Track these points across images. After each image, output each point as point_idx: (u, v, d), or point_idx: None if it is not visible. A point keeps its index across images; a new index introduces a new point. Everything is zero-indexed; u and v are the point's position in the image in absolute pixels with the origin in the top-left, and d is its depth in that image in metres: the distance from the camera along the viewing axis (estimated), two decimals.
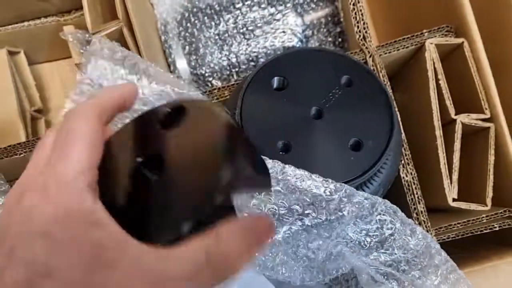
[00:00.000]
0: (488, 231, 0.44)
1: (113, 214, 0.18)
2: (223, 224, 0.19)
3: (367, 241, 0.35)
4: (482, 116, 0.45)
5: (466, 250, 0.45)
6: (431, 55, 0.45)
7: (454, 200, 0.43)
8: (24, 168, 0.21)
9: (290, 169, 0.34)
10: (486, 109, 0.45)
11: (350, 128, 0.37)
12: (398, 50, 0.47)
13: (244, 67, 0.52)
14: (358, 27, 0.47)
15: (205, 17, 0.53)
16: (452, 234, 0.44)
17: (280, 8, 0.52)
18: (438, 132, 0.44)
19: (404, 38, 0.47)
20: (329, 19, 0.54)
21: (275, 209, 0.34)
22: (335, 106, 0.38)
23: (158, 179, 0.20)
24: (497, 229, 0.44)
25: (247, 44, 0.52)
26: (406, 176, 0.44)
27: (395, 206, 0.36)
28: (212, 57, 0.53)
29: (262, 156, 0.35)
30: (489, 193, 0.44)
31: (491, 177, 0.44)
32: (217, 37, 0.52)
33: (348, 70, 0.39)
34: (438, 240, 0.44)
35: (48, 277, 0.16)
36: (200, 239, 0.19)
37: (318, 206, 0.34)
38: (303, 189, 0.34)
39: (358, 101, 0.38)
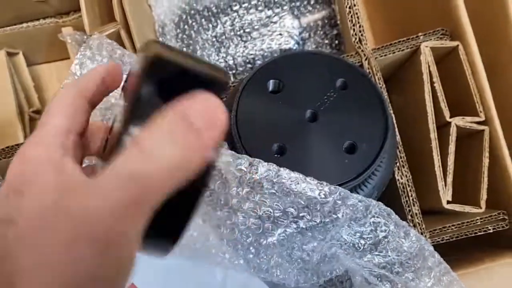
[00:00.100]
0: (482, 233, 0.44)
1: None
2: (146, 128, 0.18)
3: (361, 243, 0.36)
4: (476, 119, 0.45)
5: (460, 252, 0.46)
6: (426, 58, 0.45)
7: (448, 202, 0.44)
8: None
9: (285, 172, 0.34)
10: (480, 112, 0.45)
11: (345, 131, 0.38)
12: (394, 53, 0.47)
13: (241, 69, 0.53)
14: (354, 30, 0.47)
15: (203, 19, 0.53)
16: (446, 236, 0.45)
17: (277, 10, 0.52)
18: (433, 135, 0.44)
19: (399, 41, 0.47)
20: (326, 21, 0.54)
21: (270, 212, 0.35)
22: (330, 109, 0.38)
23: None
24: (491, 231, 0.44)
25: (244, 46, 0.52)
26: (401, 178, 0.45)
27: (389, 209, 0.36)
28: (209, 59, 0.53)
29: (257, 158, 0.35)
30: (483, 195, 0.44)
31: (486, 179, 0.44)
32: (214, 39, 0.53)
33: (343, 73, 0.40)
34: (433, 242, 0.44)
35: (20, 194, 0.18)
36: (122, 159, 0.17)
37: (313, 208, 0.34)
38: (298, 192, 0.34)
39: (353, 104, 0.39)
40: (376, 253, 0.36)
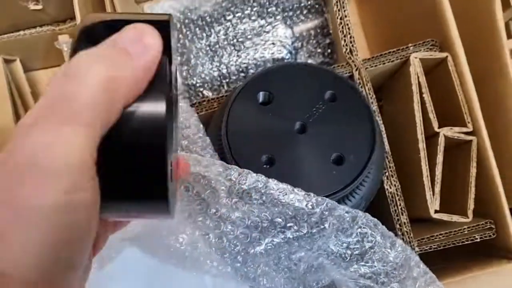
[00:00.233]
0: (469, 242, 0.45)
1: None
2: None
3: (347, 254, 0.36)
4: (464, 129, 0.46)
5: (447, 260, 0.46)
6: (415, 69, 0.46)
7: (436, 211, 0.44)
8: None
9: (273, 183, 0.35)
10: (468, 122, 0.46)
11: (333, 142, 0.38)
12: (384, 63, 0.48)
13: (234, 77, 0.53)
14: (345, 41, 0.48)
15: (197, 29, 0.54)
16: (434, 245, 0.45)
17: (269, 20, 0.53)
18: (422, 145, 0.45)
19: (389, 52, 0.48)
20: (318, 30, 0.55)
21: (258, 222, 0.35)
22: (319, 120, 0.39)
23: None
24: (478, 240, 0.45)
25: (237, 56, 0.53)
26: (390, 188, 0.45)
27: (375, 219, 0.37)
28: (203, 67, 0.54)
29: (246, 169, 0.36)
30: (471, 205, 0.45)
31: (473, 189, 0.45)
32: (208, 48, 0.54)
33: (332, 85, 0.40)
34: (421, 250, 0.45)
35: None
36: (49, 85, 0.18)
37: (300, 219, 0.35)
38: (286, 202, 0.35)
39: (341, 116, 0.39)
40: (362, 263, 0.36)
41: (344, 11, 0.48)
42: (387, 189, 0.45)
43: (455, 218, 0.44)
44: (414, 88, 0.46)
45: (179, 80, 0.55)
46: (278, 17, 0.53)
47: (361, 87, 0.46)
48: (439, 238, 0.45)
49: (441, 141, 0.45)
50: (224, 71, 0.53)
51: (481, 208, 0.45)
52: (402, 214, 0.45)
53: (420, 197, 0.45)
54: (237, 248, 0.36)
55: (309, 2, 0.54)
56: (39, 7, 0.54)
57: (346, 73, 0.47)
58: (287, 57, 0.54)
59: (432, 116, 0.46)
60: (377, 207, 0.45)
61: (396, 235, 0.45)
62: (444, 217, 0.44)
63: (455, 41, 0.46)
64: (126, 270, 0.42)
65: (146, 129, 0.18)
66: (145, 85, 0.19)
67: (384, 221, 0.44)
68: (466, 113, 0.46)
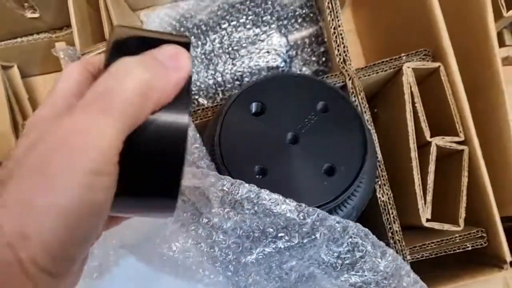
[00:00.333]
0: (461, 250, 0.46)
1: None
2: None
3: (338, 263, 0.37)
4: (456, 139, 0.46)
5: (439, 268, 0.47)
6: (408, 78, 0.46)
7: (428, 220, 0.45)
8: None
9: (265, 193, 0.35)
10: (460, 132, 0.46)
11: (324, 153, 0.39)
12: (377, 73, 0.48)
13: (229, 85, 0.54)
14: (338, 50, 0.48)
15: (192, 37, 0.54)
16: (426, 253, 0.46)
17: (264, 28, 0.53)
18: (414, 154, 0.46)
19: (382, 61, 0.48)
20: (313, 39, 0.55)
21: (250, 232, 0.36)
22: (311, 131, 0.39)
23: None
24: (469, 248, 0.46)
25: (233, 64, 0.54)
26: (382, 196, 0.46)
27: (366, 229, 0.37)
28: (198, 75, 0.54)
29: (239, 179, 0.36)
30: (462, 213, 0.45)
31: (464, 198, 0.45)
32: (203, 56, 0.54)
33: (325, 96, 0.41)
34: (412, 258, 0.46)
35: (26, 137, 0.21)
36: (95, 83, 0.20)
37: (291, 229, 0.35)
38: (277, 213, 0.35)
39: (333, 127, 0.40)
40: (353, 272, 0.37)
41: (338, 20, 0.48)
42: (380, 197, 0.46)
43: (447, 226, 0.45)
44: (407, 97, 0.46)
45: None
46: (273, 25, 0.54)
47: (354, 96, 0.47)
48: (431, 246, 0.46)
49: (433, 150, 0.45)
50: (219, 79, 0.54)
51: (472, 217, 0.46)
52: (394, 223, 0.45)
53: (412, 205, 0.46)
54: (228, 257, 0.36)
55: (303, 11, 0.55)
56: (36, 15, 0.55)
57: (339, 83, 0.48)
58: (281, 65, 0.54)
59: (424, 125, 0.46)
60: (370, 215, 0.45)
61: (388, 243, 0.45)
62: (436, 225, 0.45)
63: (447, 51, 0.46)
64: (125, 278, 0.42)
65: (170, 136, 0.21)
66: (172, 97, 0.21)
67: (376, 229, 0.44)
68: (458, 123, 0.46)
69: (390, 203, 0.46)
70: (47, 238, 0.18)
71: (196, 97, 0.54)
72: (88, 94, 0.20)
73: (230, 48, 0.54)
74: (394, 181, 0.46)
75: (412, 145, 0.46)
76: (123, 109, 0.19)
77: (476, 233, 0.46)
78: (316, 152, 0.39)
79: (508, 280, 0.45)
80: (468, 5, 0.48)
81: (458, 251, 0.46)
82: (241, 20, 0.54)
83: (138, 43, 0.22)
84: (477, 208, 0.46)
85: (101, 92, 0.19)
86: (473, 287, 0.45)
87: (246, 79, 0.54)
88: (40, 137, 0.19)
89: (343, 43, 0.48)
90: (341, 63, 0.48)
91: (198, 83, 0.54)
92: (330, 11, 0.48)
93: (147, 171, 0.21)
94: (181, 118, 0.21)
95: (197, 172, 0.36)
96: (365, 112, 0.47)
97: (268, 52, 0.54)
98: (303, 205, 0.35)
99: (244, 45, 0.54)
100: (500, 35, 0.58)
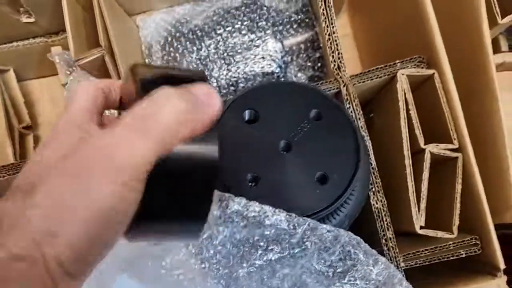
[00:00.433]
0: (455, 258, 0.46)
1: None
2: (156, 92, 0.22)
3: (330, 272, 0.37)
4: (450, 146, 0.46)
5: (432, 276, 0.47)
6: (402, 85, 0.46)
7: (421, 227, 0.45)
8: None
9: (255, 205, 0.35)
10: (454, 139, 0.46)
11: (317, 161, 0.39)
12: (372, 79, 0.48)
13: (224, 91, 0.54)
14: (333, 57, 0.48)
15: (187, 42, 0.54)
16: (419, 260, 0.46)
17: (259, 34, 0.53)
18: (408, 161, 0.46)
19: (377, 68, 0.48)
20: (309, 44, 0.55)
21: (240, 246, 0.36)
22: (304, 139, 0.39)
23: None
24: (463, 256, 0.46)
25: (228, 69, 0.53)
26: (376, 203, 0.46)
27: (358, 238, 0.37)
28: None
29: (231, 188, 0.36)
30: (456, 221, 0.45)
31: (458, 205, 0.45)
32: (198, 61, 0.54)
33: (318, 104, 0.41)
34: (406, 265, 0.46)
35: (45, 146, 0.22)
36: (134, 107, 0.21)
37: (282, 240, 0.35)
38: (268, 224, 0.35)
39: (326, 135, 0.40)
40: (345, 281, 0.37)
41: (333, 27, 0.48)
42: (374, 204, 0.46)
43: (440, 234, 0.45)
44: (401, 104, 0.46)
45: None
46: (268, 31, 0.54)
47: (349, 103, 0.47)
48: (425, 253, 0.46)
49: (427, 157, 0.45)
50: (214, 84, 0.54)
51: (466, 224, 0.46)
52: (388, 230, 0.45)
53: (406, 212, 0.46)
54: (219, 273, 0.36)
55: (299, 17, 0.55)
56: (32, 20, 0.55)
57: (333, 89, 0.48)
58: (277, 71, 0.54)
59: (418, 132, 0.46)
60: (363, 222, 0.45)
61: (382, 250, 0.45)
62: (430, 233, 0.45)
63: (442, 59, 0.46)
64: None
65: (201, 165, 0.22)
66: (204, 130, 0.23)
67: (370, 236, 0.44)
68: (452, 130, 0.46)
69: (384, 210, 0.45)
70: (74, 239, 0.19)
71: None
72: (130, 115, 0.21)
73: (225, 54, 0.54)
74: (388, 188, 0.46)
75: (406, 152, 0.46)
76: (160, 133, 0.21)
77: (470, 240, 0.46)
78: (309, 160, 0.39)
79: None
80: (463, 13, 0.48)
81: (451, 258, 0.46)
82: (236, 26, 0.54)
83: (167, 83, 0.23)
84: (471, 215, 0.46)
85: (143, 115, 0.21)
86: None
87: (241, 84, 0.54)
88: (76, 147, 0.21)
89: (337, 50, 0.48)
90: (336, 69, 0.48)
91: None
92: (325, 18, 0.48)
93: (176, 194, 0.22)
94: (212, 150, 0.23)
95: None
96: (359, 118, 0.47)
97: (263, 57, 0.54)
98: (293, 215, 0.35)
99: (239, 50, 0.54)
100: (496, 41, 0.58)
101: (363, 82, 0.48)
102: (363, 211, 0.44)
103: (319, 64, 0.56)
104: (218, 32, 0.54)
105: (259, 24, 0.53)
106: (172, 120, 0.21)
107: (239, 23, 0.53)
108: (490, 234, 0.45)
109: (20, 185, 0.21)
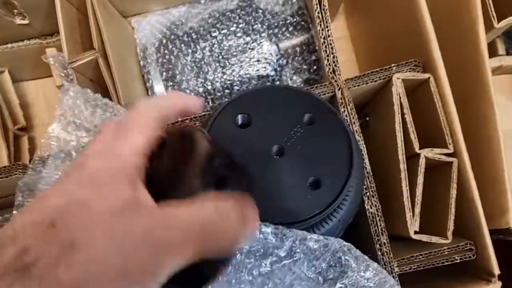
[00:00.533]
0: (449, 263, 0.45)
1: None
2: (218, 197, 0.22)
3: (321, 279, 0.36)
4: (445, 151, 0.46)
5: (427, 281, 0.46)
6: (397, 89, 0.46)
7: (416, 232, 0.45)
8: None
9: None
10: (449, 144, 0.46)
11: (310, 166, 0.38)
12: (367, 83, 0.48)
13: (219, 94, 0.54)
14: (328, 60, 0.48)
15: (182, 45, 0.54)
16: (414, 265, 0.45)
17: (255, 37, 0.53)
18: (402, 166, 0.45)
19: (372, 72, 0.48)
20: (304, 47, 0.55)
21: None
22: (297, 144, 0.39)
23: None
24: (458, 261, 0.45)
25: (222, 72, 0.53)
26: (371, 208, 0.45)
27: (349, 244, 0.37)
28: (188, 83, 0.54)
29: None
30: (451, 226, 0.45)
31: (453, 210, 0.45)
32: (193, 64, 0.54)
33: (311, 109, 0.40)
34: (400, 271, 0.45)
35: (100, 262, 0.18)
36: (198, 207, 0.21)
37: (270, 255, 0.35)
38: (255, 239, 0.35)
39: (319, 140, 0.39)
40: (336, 287, 0.37)
41: (328, 30, 0.48)
42: (368, 209, 0.45)
43: (435, 239, 0.45)
44: (396, 108, 0.46)
45: None
46: (264, 34, 0.53)
47: (344, 107, 0.46)
48: (419, 258, 0.45)
49: (422, 162, 0.45)
50: (209, 87, 0.54)
51: (461, 229, 0.46)
52: (382, 234, 0.45)
53: (401, 217, 0.45)
54: None
55: (294, 19, 0.54)
56: (26, 21, 0.55)
57: (328, 93, 0.47)
58: (272, 74, 0.54)
59: (413, 136, 0.46)
60: (358, 226, 0.45)
61: (376, 255, 0.45)
62: (424, 238, 0.44)
63: (438, 63, 0.46)
64: None
65: None
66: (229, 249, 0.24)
67: (364, 241, 0.44)
68: (448, 135, 0.46)
69: (378, 215, 0.45)
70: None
71: None
72: (192, 225, 0.20)
73: (220, 57, 0.53)
74: (382, 192, 0.46)
75: (401, 156, 0.45)
76: (213, 247, 0.21)
77: (465, 245, 0.45)
78: (302, 165, 0.38)
79: None
80: (459, 17, 0.48)
81: (446, 263, 0.45)
82: (232, 29, 0.53)
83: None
84: (465, 220, 0.46)
85: (207, 231, 0.21)
86: None
87: (236, 87, 0.54)
88: (126, 218, 0.19)
89: (332, 53, 0.48)
90: (331, 73, 0.48)
91: (188, 91, 0.54)
92: (320, 21, 0.48)
93: None
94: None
95: None
96: (354, 122, 0.46)
97: (258, 60, 0.53)
98: (280, 227, 0.35)
99: (234, 53, 0.53)
100: (493, 45, 0.57)
101: (358, 85, 0.48)
102: (358, 216, 0.43)
103: (314, 67, 0.56)
104: (213, 34, 0.53)
105: (255, 26, 0.53)
106: (229, 242, 0.22)
107: (235, 25, 0.53)
108: (485, 240, 0.45)
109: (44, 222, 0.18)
